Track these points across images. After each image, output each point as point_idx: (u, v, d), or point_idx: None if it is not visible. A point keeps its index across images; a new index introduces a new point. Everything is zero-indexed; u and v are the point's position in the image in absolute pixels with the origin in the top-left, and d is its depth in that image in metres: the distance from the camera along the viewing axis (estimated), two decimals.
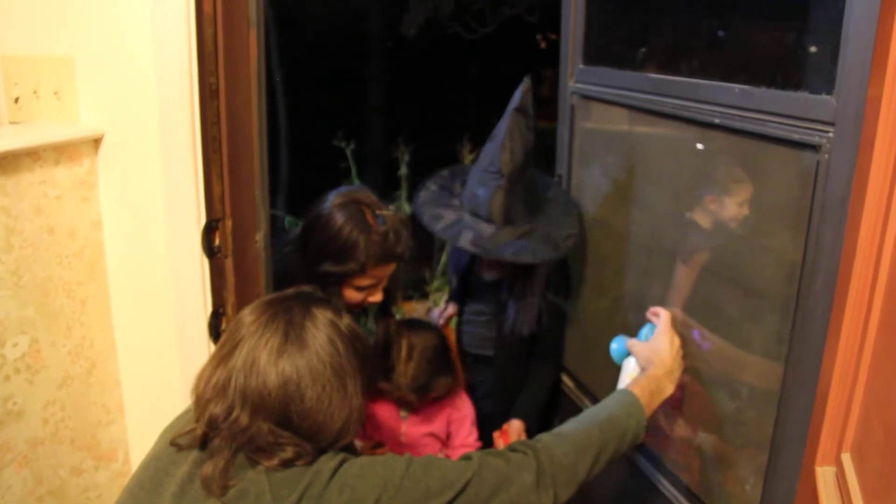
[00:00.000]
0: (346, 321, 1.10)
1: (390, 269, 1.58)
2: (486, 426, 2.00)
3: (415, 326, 1.90)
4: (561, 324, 2.03)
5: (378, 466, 1.02)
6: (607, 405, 1.27)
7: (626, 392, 1.30)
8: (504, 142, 1.75)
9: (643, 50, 1.67)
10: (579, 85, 1.96)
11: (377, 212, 1.52)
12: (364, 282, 1.54)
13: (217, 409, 1.00)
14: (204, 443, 1.02)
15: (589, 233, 1.97)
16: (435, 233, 1.82)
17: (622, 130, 1.80)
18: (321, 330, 1.05)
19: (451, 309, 2.13)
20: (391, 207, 1.57)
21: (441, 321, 2.12)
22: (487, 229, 1.78)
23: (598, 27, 1.90)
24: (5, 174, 1.33)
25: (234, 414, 1.00)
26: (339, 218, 1.50)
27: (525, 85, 1.80)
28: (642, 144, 1.68)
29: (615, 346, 1.52)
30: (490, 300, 2.04)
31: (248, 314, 1.07)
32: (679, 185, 1.53)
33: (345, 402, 1.04)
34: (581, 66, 1.95)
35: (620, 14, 1.83)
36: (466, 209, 1.85)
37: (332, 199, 1.55)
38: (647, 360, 1.40)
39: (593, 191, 1.96)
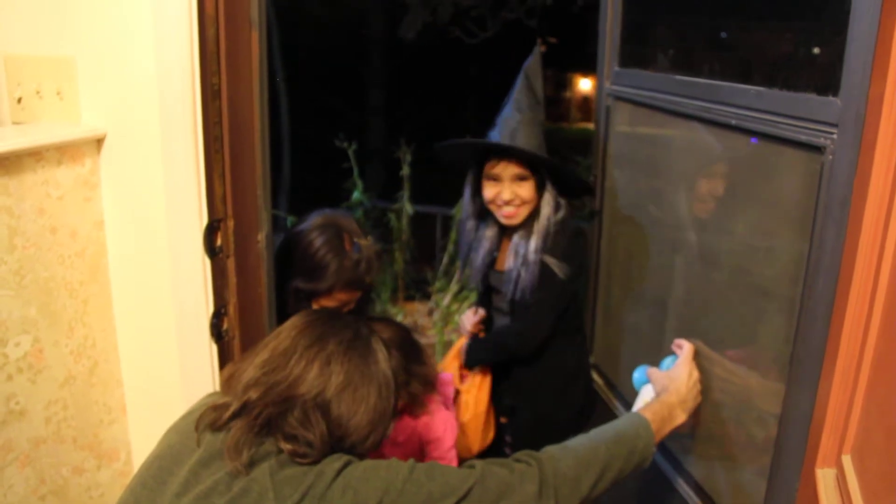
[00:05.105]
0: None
1: (356, 295, 1.63)
2: (511, 416, 2.04)
3: (380, 322, 1.78)
4: (548, 303, 1.91)
5: (381, 469, 1.03)
6: (616, 425, 1.28)
7: (637, 414, 1.31)
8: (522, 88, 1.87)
9: (670, 52, 1.70)
10: (615, 87, 1.98)
11: (355, 239, 1.56)
12: (329, 303, 1.59)
13: (256, 394, 1.05)
14: (230, 420, 1.05)
15: (620, 232, 2.00)
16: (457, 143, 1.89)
17: (654, 132, 1.83)
18: (381, 344, 1.15)
19: (481, 313, 2.12)
20: (369, 238, 1.60)
21: (471, 328, 2.10)
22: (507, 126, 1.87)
23: (633, 30, 1.94)
24: (8, 174, 1.33)
25: (283, 406, 1.04)
26: (317, 238, 1.56)
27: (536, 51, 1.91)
28: (671, 145, 1.71)
29: (637, 374, 1.56)
30: (508, 300, 2.02)
31: (297, 323, 1.13)
32: (704, 186, 1.55)
33: (385, 410, 1.12)
34: (617, 68, 1.98)
35: (652, 18, 1.87)
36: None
37: (314, 219, 1.60)
38: (663, 387, 1.42)
39: (626, 190, 1.98)
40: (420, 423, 1.77)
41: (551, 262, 1.85)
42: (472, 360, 2.04)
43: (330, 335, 1.10)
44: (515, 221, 1.89)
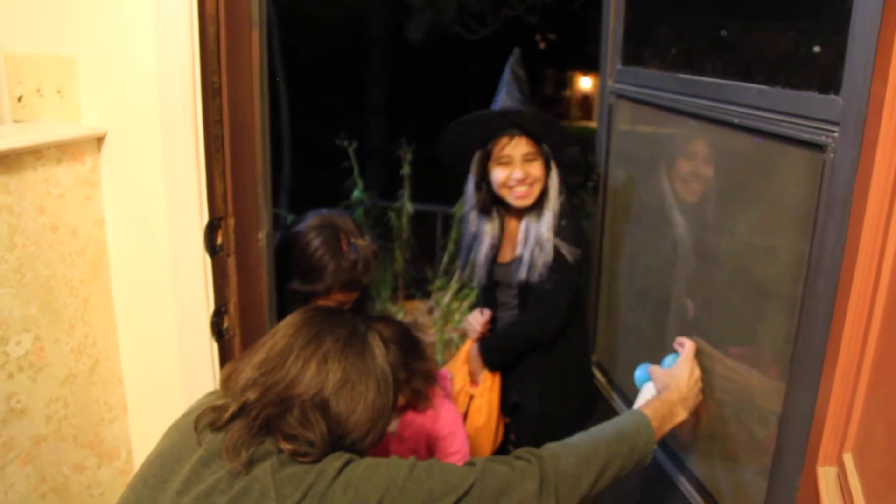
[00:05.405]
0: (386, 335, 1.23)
1: (353, 296, 1.62)
2: (514, 415, 2.05)
3: (378, 320, 1.78)
4: (564, 286, 1.92)
5: (382, 468, 1.03)
6: (617, 422, 1.28)
7: (638, 412, 1.31)
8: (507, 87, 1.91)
9: (673, 50, 1.71)
10: (618, 85, 1.99)
11: (351, 239, 1.56)
12: (327, 304, 1.58)
13: (254, 395, 1.04)
14: (229, 421, 1.05)
15: (622, 230, 2.00)
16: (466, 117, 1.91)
17: (656, 130, 1.84)
18: (378, 339, 1.14)
19: (488, 313, 2.12)
20: (366, 237, 1.60)
21: (481, 329, 2.09)
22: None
23: (635, 29, 1.96)
24: (8, 172, 1.33)
25: (282, 406, 1.04)
26: (314, 240, 1.55)
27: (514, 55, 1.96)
28: (674, 143, 1.71)
29: (638, 372, 1.56)
30: (515, 292, 2.04)
31: (293, 322, 1.13)
32: (705, 184, 1.55)
33: (384, 406, 1.11)
34: (619, 66, 1.99)
35: (654, 16, 1.89)
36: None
37: (311, 219, 1.59)
38: (664, 384, 1.42)
39: (628, 188, 1.99)
40: (427, 418, 1.76)
41: (561, 244, 1.88)
42: (494, 360, 2.03)
43: (326, 333, 1.09)
44: (528, 202, 1.91)
